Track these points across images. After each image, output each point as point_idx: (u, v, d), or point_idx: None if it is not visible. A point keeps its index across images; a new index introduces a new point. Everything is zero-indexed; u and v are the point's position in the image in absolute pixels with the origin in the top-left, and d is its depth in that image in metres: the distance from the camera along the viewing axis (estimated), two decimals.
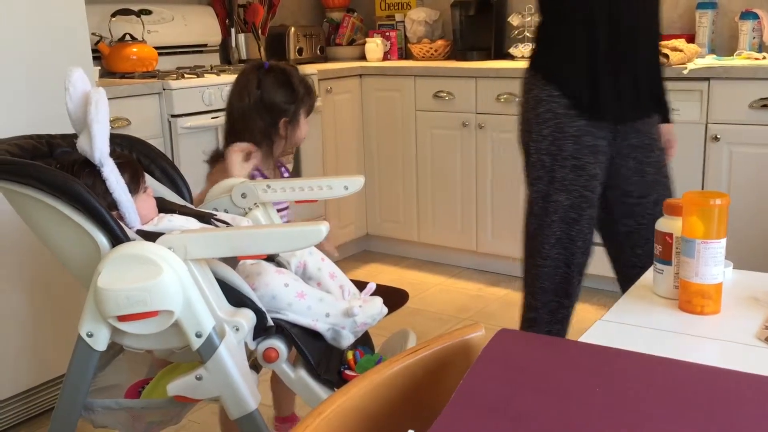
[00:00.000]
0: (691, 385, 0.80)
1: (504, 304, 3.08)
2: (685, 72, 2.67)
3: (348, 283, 1.68)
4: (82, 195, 1.33)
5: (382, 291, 1.80)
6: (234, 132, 1.83)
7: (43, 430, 2.18)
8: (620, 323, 1.11)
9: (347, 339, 1.52)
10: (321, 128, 3.32)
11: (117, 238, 1.35)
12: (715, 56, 2.89)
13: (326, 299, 1.52)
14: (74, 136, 1.49)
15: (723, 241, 1.09)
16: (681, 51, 2.74)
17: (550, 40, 1.89)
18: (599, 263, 3.04)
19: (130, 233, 1.39)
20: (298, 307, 1.48)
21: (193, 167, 2.64)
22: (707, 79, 2.66)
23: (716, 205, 1.08)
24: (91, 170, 1.44)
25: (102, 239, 1.35)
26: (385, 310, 1.57)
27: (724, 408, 0.74)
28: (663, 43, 2.82)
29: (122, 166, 1.47)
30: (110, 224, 1.34)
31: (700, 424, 0.71)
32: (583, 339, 1.02)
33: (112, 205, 1.43)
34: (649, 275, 1.24)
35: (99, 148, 1.41)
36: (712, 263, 1.09)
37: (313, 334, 1.50)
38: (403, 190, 3.53)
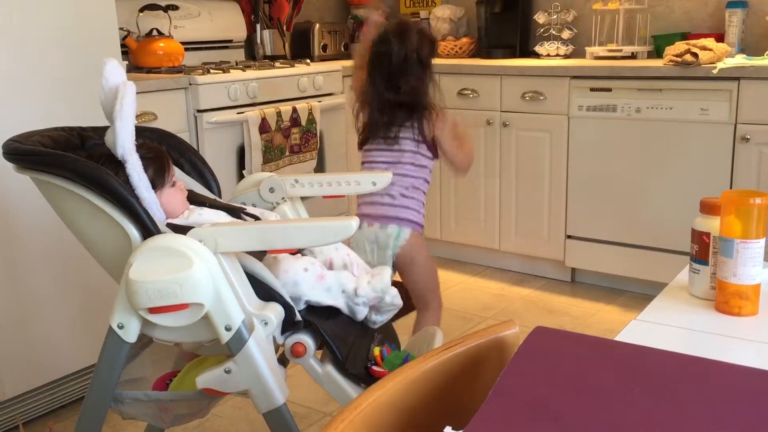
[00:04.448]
0: (732, 386, 0.78)
1: (527, 303, 3.06)
2: (714, 71, 2.64)
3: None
4: (115, 187, 1.34)
5: (404, 288, 1.79)
6: None
7: (71, 421, 2.20)
8: (655, 323, 1.10)
9: (361, 313, 1.55)
10: (345, 124, 3.32)
11: (148, 230, 1.35)
12: (744, 56, 2.85)
13: (343, 278, 1.54)
14: (107, 128, 1.50)
15: (762, 241, 1.07)
16: (710, 50, 2.71)
17: None
18: (624, 264, 3.02)
19: (161, 226, 1.39)
20: (319, 290, 1.50)
21: (218, 162, 2.66)
22: (737, 78, 2.63)
23: (756, 204, 1.06)
24: (117, 165, 1.44)
25: (133, 231, 1.35)
26: (395, 294, 1.58)
27: (765, 410, 0.73)
28: (692, 41, 2.79)
29: (147, 161, 1.47)
30: (142, 216, 1.35)
31: (740, 426, 0.70)
32: (618, 338, 1.01)
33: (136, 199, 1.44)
34: (684, 275, 1.22)
35: (121, 145, 1.41)
36: (750, 263, 1.07)
37: (341, 327, 1.50)
38: None
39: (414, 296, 2.15)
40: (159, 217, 1.46)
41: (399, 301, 1.58)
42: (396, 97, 2.03)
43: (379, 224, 2.04)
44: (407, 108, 2.04)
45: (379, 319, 1.59)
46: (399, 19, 2.15)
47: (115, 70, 1.47)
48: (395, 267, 2.08)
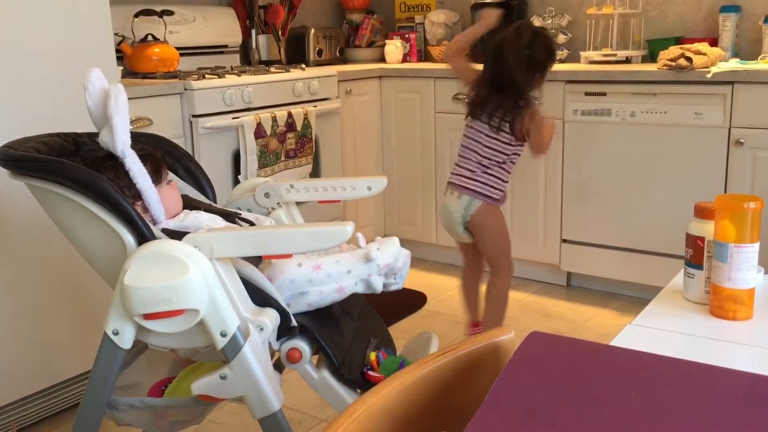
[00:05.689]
0: (727, 391, 0.78)
1: (522, 308, 3.06)
2: (708, 76, 2.65)
3: None
4: (110, 192, 1.34)
5: (400, 293, 1.78)
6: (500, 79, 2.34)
7: (65, 428, 2.19)
8: (650, 328, 1.10)
9: (378, 284, 1.51)
10: (340, 129, 3.32)
11: (143, 236, 1.35)
12: (738, 60, 2.86)
13: (342, 259, 1.50)
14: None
15: (756, 246, 1.08)
16: (704, 54, 2.72)
17: None
18: (620, 268, 3.03)
19: (156, 231, 1.39)
20: (318, 279, 1.46)
21: (213, 167, 2.66)
22: (731, 83, 2.64)
23: (750, 209, 1.07)
24: (114, 163, 1.45)
25: (128, 237, 1.35)
26: (405, 251, 1.55)
27: (761, 414, 0.73)
28: (686, 46, 2.80)
29: (144, 158, 1.48)
30: (137, 222, 1.35)
31: (735, 431, 0.70)
32: (613, 343, 1.01)
33: (137, 195, 1.45)
34: (678, 279, 1.22)
35: (121, 139, 1.42)
36: (745, 268, 1.07)
37: (337, 332, 1.50)
38: (422, 192, 3.52)
39: (486, 259, 2.54)
40: (160, 211, 1.46)
41: (408, 258, 1.55)
42: (499, 87, 2.33)
43: (458, 193, 2.39)
44: (506, 98, 2.32)
45: (398, 281, 1.54)
46: (521, 22, 2.53)
47: (100, 77, 1.48)
48: (469, 231, 2.43)
